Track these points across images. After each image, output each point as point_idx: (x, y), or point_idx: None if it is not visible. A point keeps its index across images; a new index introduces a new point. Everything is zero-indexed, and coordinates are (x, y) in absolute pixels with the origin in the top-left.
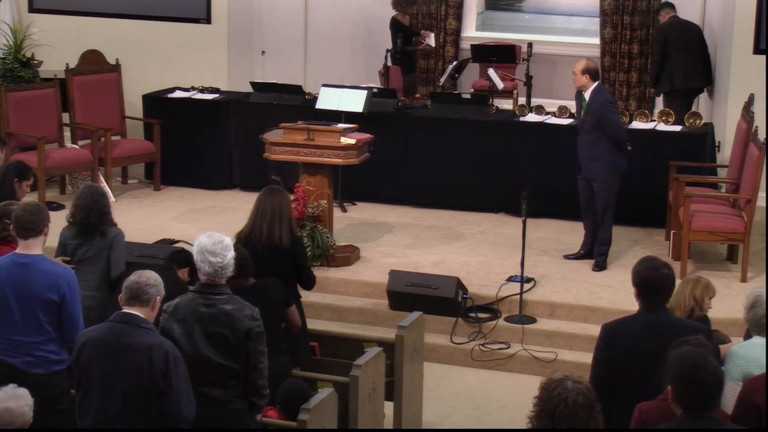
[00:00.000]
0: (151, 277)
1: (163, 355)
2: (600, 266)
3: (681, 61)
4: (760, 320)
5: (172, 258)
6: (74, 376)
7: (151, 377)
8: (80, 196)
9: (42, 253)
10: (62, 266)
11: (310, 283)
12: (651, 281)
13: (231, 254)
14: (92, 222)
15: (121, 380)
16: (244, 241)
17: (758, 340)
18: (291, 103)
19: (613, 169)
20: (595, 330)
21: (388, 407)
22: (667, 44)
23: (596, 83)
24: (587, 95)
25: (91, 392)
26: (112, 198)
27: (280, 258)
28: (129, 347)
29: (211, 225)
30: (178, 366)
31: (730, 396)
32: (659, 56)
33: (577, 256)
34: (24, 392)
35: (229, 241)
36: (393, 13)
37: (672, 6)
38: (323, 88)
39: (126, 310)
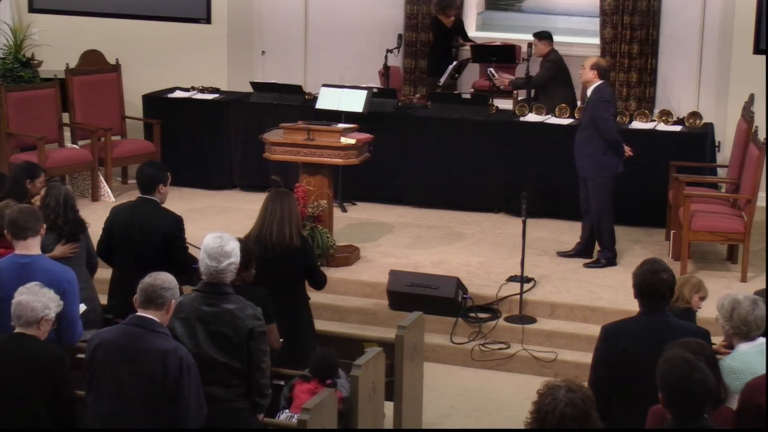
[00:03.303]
0: (166, 280)
1: (177, 361)
2: (594, 264)
3: (563, 94)
4: (746, 318)
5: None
6: (86, 377)
7: (165, 382)
8: (65, 209)
9: (40, 252)
10: (62, 265)
11: (321, 282)
12: (647, 284)
13: (228, 261)
14: (78, 231)
15: (134, 384)
16: (253, 241)
17: (745, 347)
18: (291, 103)
19: (603, 168)
20: (595, 330)
21: (388, 407)
22: (559, 74)
23: (601, 81)
24: (589, 91)
25: (103, 394)
26: (112, 198)
27: (290, 258)
28: (144, 351)
29: (211, 225)
30: (191, 372)
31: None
32: (545, 80)
33: (570, 255)
34: (45, 291)
35: (232, 247)
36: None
37: (552, 38)
38: (323, 88)
39: (141, 313)
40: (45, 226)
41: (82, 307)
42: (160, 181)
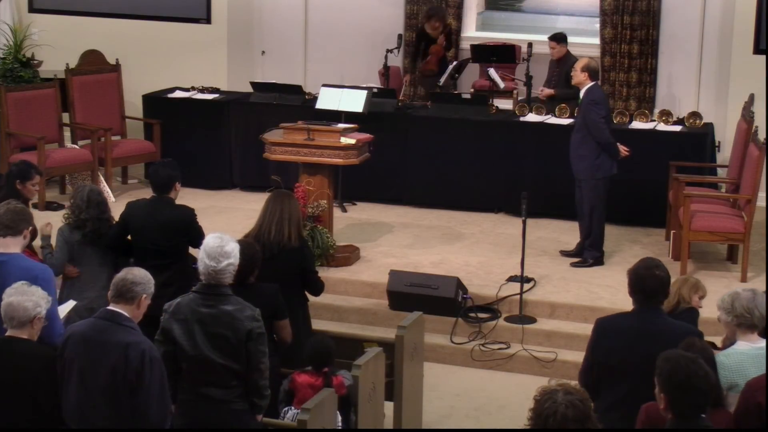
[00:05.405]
0: (138, 275)
1: (139, 354)
2: (581, 264)
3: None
4: (748, 305)
5: None
6: (58, 370)
7: (126, 375)
8: (88, 204)
9: (20, 252)
10: (39, 263)
11: (317, 289)
12: (639, 278)
13: (227, 262)
14: (104, 231)
15: (96, 376)
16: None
17: (743, 346)
18: (291, 103)
19: (596, 170)
20: None
21: (388, 407)
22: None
23: (593, 83)
24: (582, 93)
25: (70, 386)
26: (112, 198)
27: (287, 258)
28: (107, 344)
29: (211, 225)
30: (154, 367)
31: None
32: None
33: (572, 254)
34: (34, 290)
35: (232, 247)
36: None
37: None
38: (323, 88)
39: (111, 307)
40: (30, 228)
41: (70, 304)
42: (176, 180)
